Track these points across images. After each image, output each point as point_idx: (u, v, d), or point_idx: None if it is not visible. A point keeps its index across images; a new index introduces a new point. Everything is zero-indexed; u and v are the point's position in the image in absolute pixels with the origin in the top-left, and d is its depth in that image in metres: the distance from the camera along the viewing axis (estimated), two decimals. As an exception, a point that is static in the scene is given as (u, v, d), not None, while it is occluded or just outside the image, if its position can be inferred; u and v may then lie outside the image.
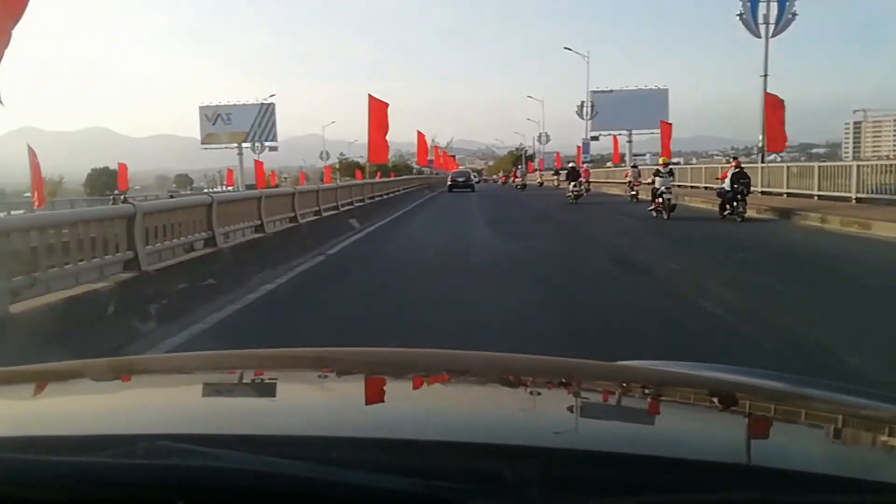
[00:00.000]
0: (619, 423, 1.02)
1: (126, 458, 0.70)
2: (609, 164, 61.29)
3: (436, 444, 0.80)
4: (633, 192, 21.57)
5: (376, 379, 1.29)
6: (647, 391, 1.23)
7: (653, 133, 69.13)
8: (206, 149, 69.13)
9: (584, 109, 54.48)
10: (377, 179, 26.02)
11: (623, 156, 63.61)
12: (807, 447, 0.92)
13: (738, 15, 26.61)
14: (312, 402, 1.11)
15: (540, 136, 67.03)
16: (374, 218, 17.01)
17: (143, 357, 2.28)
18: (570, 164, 26.43)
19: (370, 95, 19.37)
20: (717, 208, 14.50)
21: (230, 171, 61.83)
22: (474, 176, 46.63)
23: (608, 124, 66.45)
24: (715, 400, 1.18)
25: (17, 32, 5.76)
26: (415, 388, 1.21)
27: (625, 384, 1.23)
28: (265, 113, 67.91)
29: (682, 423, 1.01)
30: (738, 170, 13.87)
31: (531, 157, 76.39)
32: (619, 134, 67.98)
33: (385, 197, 23.59)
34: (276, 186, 44.16)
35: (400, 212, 20.19)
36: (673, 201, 14.49)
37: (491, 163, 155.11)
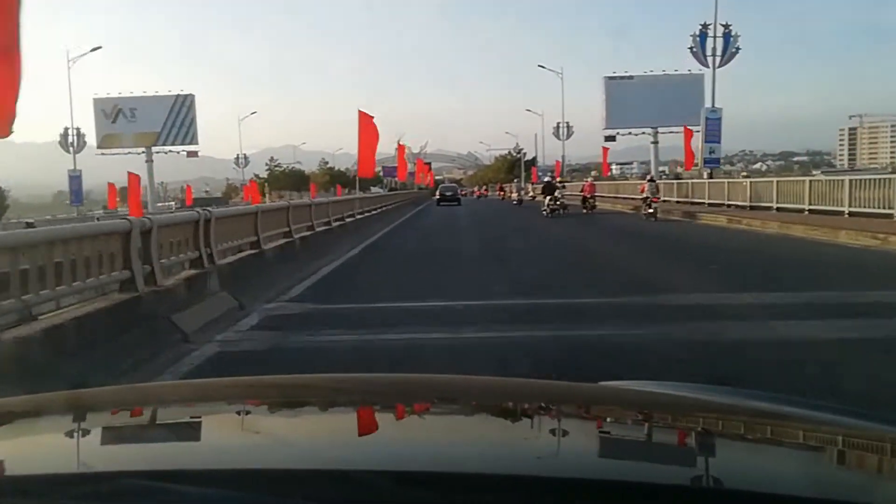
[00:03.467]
0: (607, 449, 1.14)
1: (90, 500, 0.79)
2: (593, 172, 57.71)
3: (419, 474, 0.91)
4: (651, 210, 21.44)
5: (358, 408, 1.41)
6: (634, 415, 1.40)
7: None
8: (102, 154, 63.40)
9: (714, 43, 36.59)
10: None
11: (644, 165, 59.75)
12: (797, 470, 1.06)
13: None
14: (287, 433, 1.21)
15: (557, 129, 60.84)
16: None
17: (107, 389, 2.14)
18: (547, 179, 29.26)
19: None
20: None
21: (111, 185, 55.40)
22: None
23: (627, 120, 62.93)
24: (704, 423, 1.33)
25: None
26: (399, 417, 1.35)
27: (611, 409, 1.43)
28: (181, 107, 62.79)
29: (671, 448, 1.17)
30: None
31: (532, 162, 71.41)
32: (642, 133, 64.39)
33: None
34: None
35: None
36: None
37: (471, 172, 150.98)
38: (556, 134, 60.93)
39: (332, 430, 1.24)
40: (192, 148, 63.40)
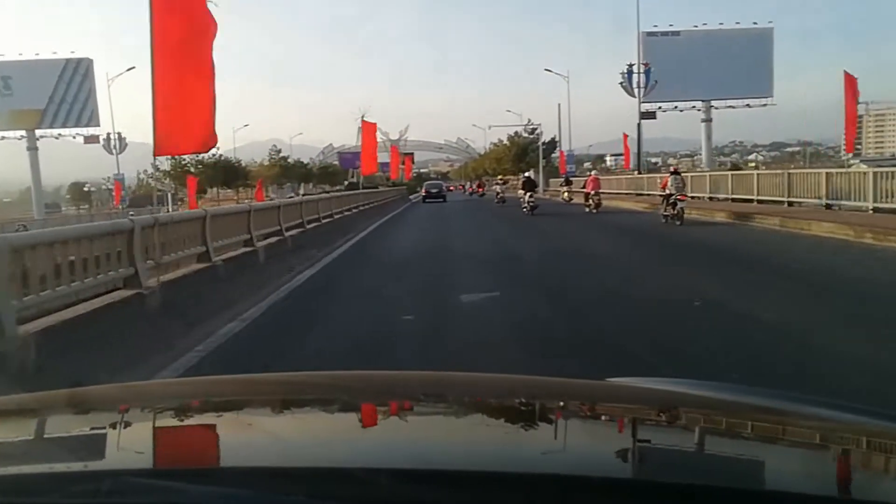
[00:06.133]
0: (613, 446, 1.16)
1: (91, 498, 0.83)
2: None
3: (422, 472, 0.94)
4: (675, 212, 18.25)
5: (358, 405, 1.46)
6: (640, 412, 1.43)
7: (747, 105, 53.37)
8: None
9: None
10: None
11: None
12: (801, 467, 1.09)
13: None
14: (287, 431, 1.27)
15: (629, 76, 45.47)
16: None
17: (106, 387, 2.15)
18: (526, 174, 29.35)
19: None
20: None
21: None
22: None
23: (672, 91, 50.42)
24: (711, 420, 1.36)
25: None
26: (401, 414, 1.38)
27: (617, 405, 1.46)
28: (74, 76, 49.35)
29: (675, 445, 1.20)
30: None
31: (551, 146, 57.17)
32: (691, 107, 51.82)
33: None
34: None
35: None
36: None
37: (457, 165, 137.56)
38: (626, 85, 46.69)
39: (332, 428, 1.28)
40: (91, 131, 50.06)
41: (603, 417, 1.40)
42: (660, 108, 52.58)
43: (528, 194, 25.42)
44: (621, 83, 44.68)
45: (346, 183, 52.21)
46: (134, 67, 45.74)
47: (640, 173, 29.22)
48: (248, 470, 0.93)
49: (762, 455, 1.13)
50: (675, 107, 52.38)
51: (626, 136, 38.25)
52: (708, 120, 52.09)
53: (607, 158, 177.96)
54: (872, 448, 1.20)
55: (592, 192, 25.13)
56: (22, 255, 4.91)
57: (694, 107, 52.07)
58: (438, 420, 1.36)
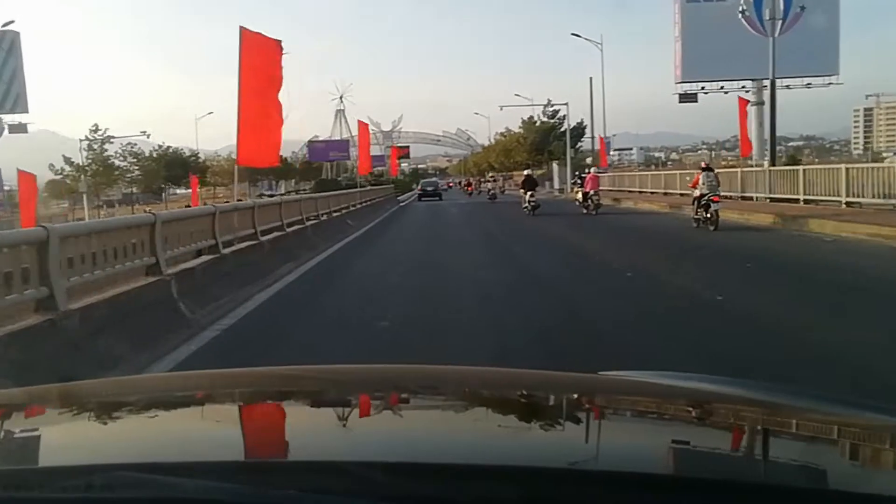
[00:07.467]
0: (604, 439, 1.18)
1: (82, 492, 0.84)
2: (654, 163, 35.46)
3: (411, 466, 0.95)
4: (708, 214, 15.61)
5: (350, 399, 1.48)
6: (631, 405, 1.45)
7: (808, 85, 45.41)
8: None
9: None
10: None
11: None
12: (792, 458, 1.10)
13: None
14: (279, 425, 1.29)
15: (758, 2, 29.30)
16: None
17: (98, 381, 2.20)
18: (527, 172, 27.97)
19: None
20: None
21: None
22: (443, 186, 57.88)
23: (715, 68, 42.64)
24: (702, 412, 1.38)
25: None
26: (393, 408, 1.40)
27: (609, 398, 1.49)
28: (-5, 50, 41.24)
29: (671, 438, 1.20)
30: None
31: (581, 131, 48.20)
32: (740, 87, 43.87)
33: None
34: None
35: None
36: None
37: (455, 161, 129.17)
38: (752, 16, 30.07)
39: (325, 422, 1.29)
40: (17, 118, 41.92)
41: (598, 411, 1.40)
42: (702, 88, 44.70)
43: (529, 193, 24.88)
44: (742, 11, 30.86)
45: (315, 183, 44.25)
46: (13, 21, 37.40)
47: (773, 165, 22.05)
48: (242, 464, 0.94)
49: (753, 447, 1.15)
50: (721, 87, 44.44)
51: (743, 102, 28.85)
52: (759, 103, 44.01)
53: (611, 153, 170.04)
54: (868, 441, 1.20)
55: (591, 192, 23.90)
56: None
57: (743, 87, 43.99)
58: (433, 414, 1.36)
